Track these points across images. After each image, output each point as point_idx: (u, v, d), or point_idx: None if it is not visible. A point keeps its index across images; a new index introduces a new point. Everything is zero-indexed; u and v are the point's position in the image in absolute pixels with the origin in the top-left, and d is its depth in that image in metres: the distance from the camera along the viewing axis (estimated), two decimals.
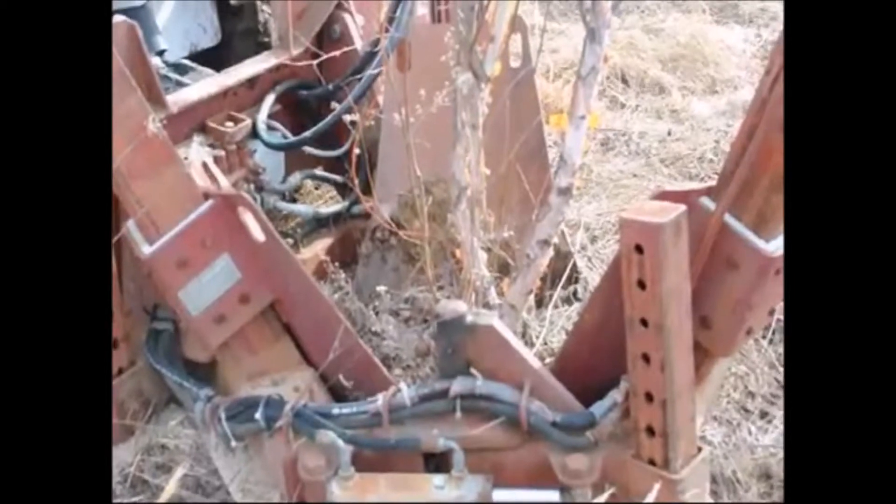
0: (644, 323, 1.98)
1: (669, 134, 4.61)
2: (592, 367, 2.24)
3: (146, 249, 2.30)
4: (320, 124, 3.07)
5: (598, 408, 2.18)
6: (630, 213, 1.98)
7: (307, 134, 3.11)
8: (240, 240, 2.35)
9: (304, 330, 2.50)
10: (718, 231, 2.03)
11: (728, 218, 2.02)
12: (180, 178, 2.31)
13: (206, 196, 2.34)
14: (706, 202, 2.06)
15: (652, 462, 2.11)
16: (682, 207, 1.93)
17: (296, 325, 2.51)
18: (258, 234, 2.34)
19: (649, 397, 2.05)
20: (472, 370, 2.23)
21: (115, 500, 2.58)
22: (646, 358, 2.01)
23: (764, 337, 3.04)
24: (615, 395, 2.17)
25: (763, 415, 2.83)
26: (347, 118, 2.69)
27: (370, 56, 3.10)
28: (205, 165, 2.53)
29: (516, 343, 2.26)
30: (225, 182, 2.58)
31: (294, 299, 2.46)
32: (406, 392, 2.26)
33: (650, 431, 2.08)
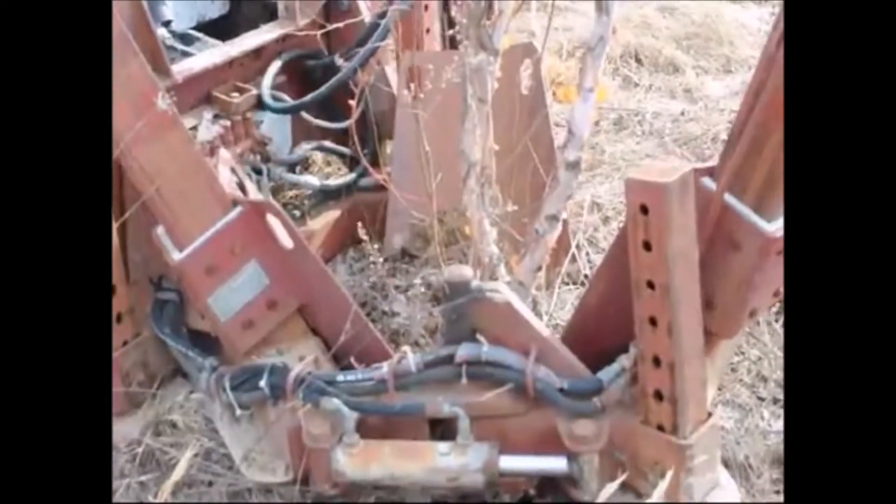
0: (651, 285, 1.95)
1: (683, 114, 4.55)
2: (600, 337, 2.22)
3: (175, 256, 2.31)
4: (321, 89, 3.06)
5: (605, 373, 2.16)
6: (636, 174, 1.95)
7: (307, 98, 3.09)
8: (268, 246, 2.36)
9: (330, 335, 2.49)
10: (720, 211, 1.99)
11: (729, 198, 1.98)
12: (197, 161, 2.31)
13: (235, 203, 2.35)
14: (707, 182, 2.02)
15: (660, 428, 2.08)
16: (689, 167, 1.90)
17: (322, 330, 2.51)
18: (286, 241, 2.35)
19: (657, 361, 2.02)
20: (479, 337, 2.21)
21: (122, 478, 2.56)
22: (653, 321, 1.98)
23: (777, 321, 3.00)
24: (623, 361, 2.14)
25: (776, 400, 2.78)
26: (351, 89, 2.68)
27: (374, 27, 3.08)
28: (233, 170, 2.55)
29: (523, 309, 2.23)
30: (252, 187, 2.58)
31: (320, 305, 2.47)
32: (412, 358, 2.25)
33: (658, 396, 2.05)
